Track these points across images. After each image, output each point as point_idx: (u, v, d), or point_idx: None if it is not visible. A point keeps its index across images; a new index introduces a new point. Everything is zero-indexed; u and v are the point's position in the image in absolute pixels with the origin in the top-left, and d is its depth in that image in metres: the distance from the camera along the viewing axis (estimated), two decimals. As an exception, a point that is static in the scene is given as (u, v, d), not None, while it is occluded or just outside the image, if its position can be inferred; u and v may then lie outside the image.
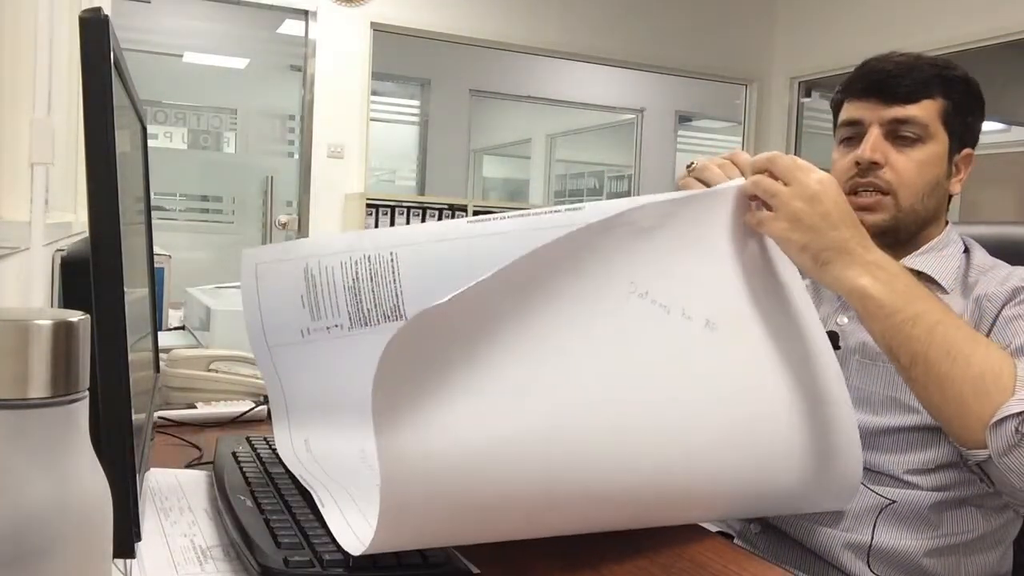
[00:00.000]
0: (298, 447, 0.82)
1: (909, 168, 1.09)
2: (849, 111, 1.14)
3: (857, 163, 1.10)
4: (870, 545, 1.02)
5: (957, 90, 1.11)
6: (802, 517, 1.06)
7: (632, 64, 5.52)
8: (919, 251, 1.12)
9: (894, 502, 1.02)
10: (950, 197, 1.16)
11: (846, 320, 1.11)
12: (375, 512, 0.59)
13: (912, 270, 1.06)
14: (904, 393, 1.03)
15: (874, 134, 1.10)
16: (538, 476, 0.65)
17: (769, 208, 0.85)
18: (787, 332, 0.84)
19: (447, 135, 6.34)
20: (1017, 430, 0.83)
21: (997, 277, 1.06)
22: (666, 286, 0.74)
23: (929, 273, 1.09)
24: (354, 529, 0.65)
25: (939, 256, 1.11)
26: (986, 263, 1.11)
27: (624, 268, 0.72)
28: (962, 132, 1.13)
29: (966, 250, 1.13)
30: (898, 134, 1.10)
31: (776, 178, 0.86)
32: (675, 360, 0.75)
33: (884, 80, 1.10)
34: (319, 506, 0.69)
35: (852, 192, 1.10)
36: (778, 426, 0.82)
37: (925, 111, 1.09)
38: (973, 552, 1.03)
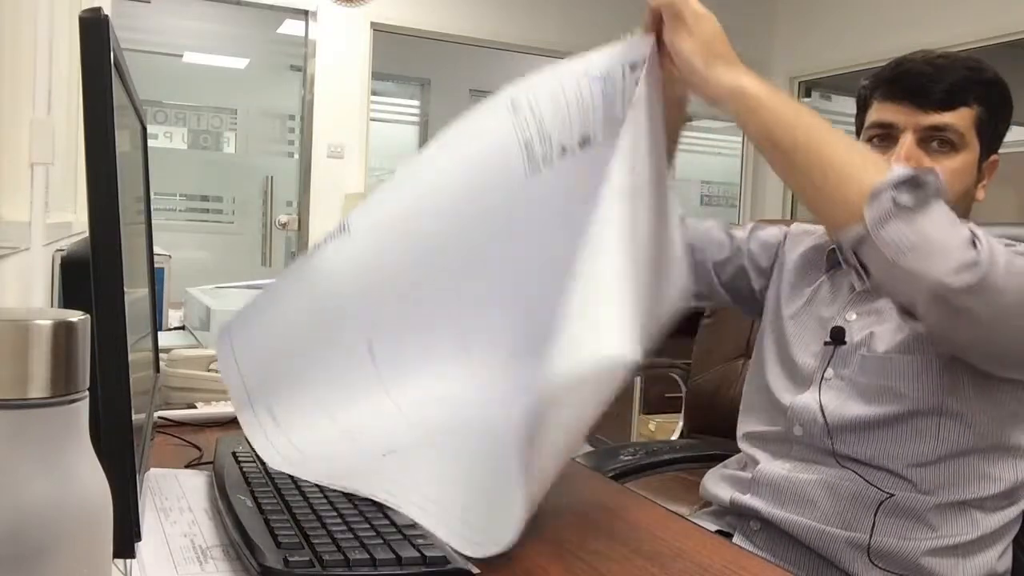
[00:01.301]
0: (283, 447, 0.82)
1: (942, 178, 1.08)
2: (881, 112, 1.10)
3: None
4: (869, 543, 1.02)
5: (991, 96, 1.09)
6: (800, 516, 1.06)
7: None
8: None
9: (893, 495, 1.02)
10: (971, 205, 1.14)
11: (854, 316, 1.11)
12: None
13: None
14: (898, 381, 1.03)
15: (907, 141, 1.07)
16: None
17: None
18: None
19: (447, 135, 6.33)
20: (894, 200, 0.83)
21: None
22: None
23: None
24: (476, 530, 0.68)
25: None
26: None
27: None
28: (992, 139, 1.11)
29: None
30: (932, 141, 1.07)
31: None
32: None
33: (922, 85, 1.07)
34: (414, 517, 0.71)
35: None
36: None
37: (962, 119, 1.06)
38: (972, 552, 1.03)
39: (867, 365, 1.07)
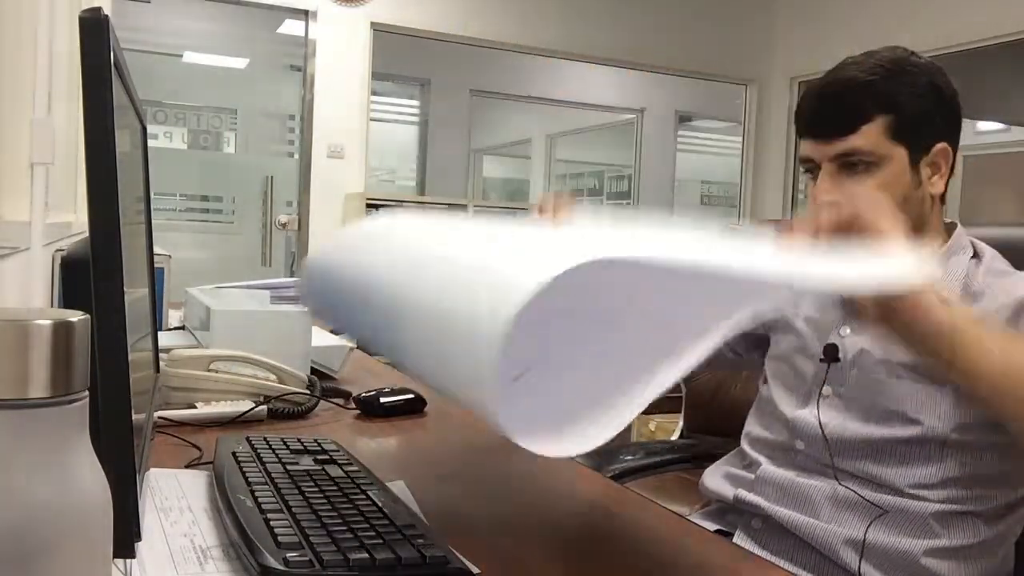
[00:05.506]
0: None
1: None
2: (802, 148, 1.11)
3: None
4: (863, 545, 1.02)
5: (902, 97, 1.05)
6: (801, 514, 1.06)
7: (632, 64, 5.52)
8: None
9: (886, 512, 1.02)
10: (943, 196, 1.10)
11: (848, 331, 1.10)
12: None
13: None
14: (906, 404, 1.03)
15: (823, 175, 1.07)
16: None
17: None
18: None
19: (447, 135, 6.34)
20: None
21: (1005, 287, 1.03)
22: None
23: None
24: None
25: (944, 268, 1.07)
26: (995, 267, 1.07)
27: None
28: (924, 133, 1.06)
29: (975, 255, 1.09)
30: (851, 165, 1.05)
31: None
32: None
33: (818, 117, 1.08)
34: None
35: None
36: None
37: (866, 138, 1.04)
38: (974, 557, 1.03)
39: (864, 384, 1.06)
